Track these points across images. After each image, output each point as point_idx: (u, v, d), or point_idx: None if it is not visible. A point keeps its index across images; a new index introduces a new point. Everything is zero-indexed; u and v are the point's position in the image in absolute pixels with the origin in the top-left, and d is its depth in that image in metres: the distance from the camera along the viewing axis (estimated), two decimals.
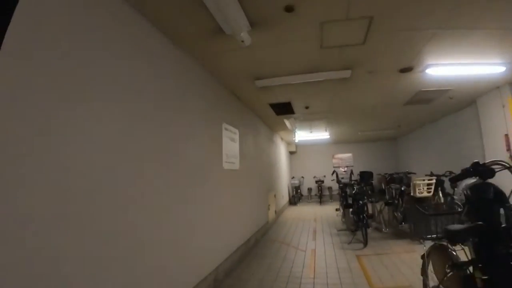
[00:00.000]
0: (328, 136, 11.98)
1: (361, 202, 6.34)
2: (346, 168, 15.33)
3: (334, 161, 16.20)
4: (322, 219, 9.37)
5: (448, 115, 9.58)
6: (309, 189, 14.98)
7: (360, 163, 15.38)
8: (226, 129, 5.11)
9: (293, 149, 15.24)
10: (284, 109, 7.07)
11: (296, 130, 10.36)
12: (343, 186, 8.42)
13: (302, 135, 11.61)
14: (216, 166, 4.61)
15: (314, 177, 15.08)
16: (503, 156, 6.01)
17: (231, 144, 5.35)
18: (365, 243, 5.77)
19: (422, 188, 5.88)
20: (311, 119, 8.62)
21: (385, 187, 10.03)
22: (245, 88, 5.39)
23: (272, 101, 6.38)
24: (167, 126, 3.19)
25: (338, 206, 9.57)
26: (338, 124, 9.90)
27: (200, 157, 4.00)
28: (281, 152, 12.39)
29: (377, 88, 5.88)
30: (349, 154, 16.34)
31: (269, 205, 8.41)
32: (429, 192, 5.90)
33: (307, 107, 6.98)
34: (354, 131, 11.58)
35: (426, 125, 11.43)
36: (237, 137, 5.76)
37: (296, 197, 13.75)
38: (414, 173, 7.63)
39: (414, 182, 5.92)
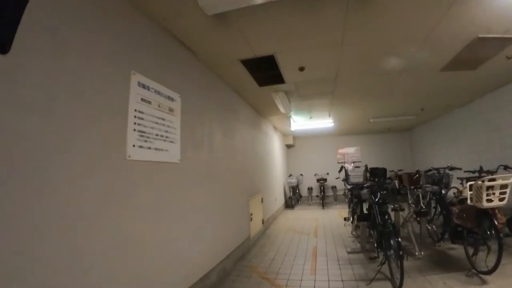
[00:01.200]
0: (332, 124, 9.65)
1: (387, 218, 4.03)
2: (352, 164, 13.02)
3: (338, 156, 13.87)
4: (325, 230, 7.05)
5: (486, 95, 7.36)
6: (310, 189, 12.65)
7: (369, 159, 12.98)
8: (142, 85, 2.77)
9: (290, 142, 12.89)
10: (267, 72, 4.74)
11: (292, 114, 8.01)
12: (354, 189, 6.15)
13: (300, 122, 9.26)
14: (110, 153, 2.29)
15: (316, 174, 12.75)
16: None
17: (157, 114, 3.02)
18: (400, 285, 3.44)
19: (493, 193, 3.55)
20: (309, 95, 6.29)
21: (408, 188, 7.68)
22: (187, 16, 3.04)
23: (245, 54, 4.04)
24: None
25: (345, 212, 7.34)
26: (345, 105, 7.55)
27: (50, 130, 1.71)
28: (275, 145, 10.07)
29: (412, 25, 3.53)
30: (356, 148, 14.00)
31: (251, 214, 6.09)
32: (502, 199, 3.58)
33: (302, 69, 4.63)
34: (365, 117, 9.22)
35: (453, 111, 9.09)
36: (176, 106, 3.43)
37: (293, 198, 11.41)
38: (460, 169, 5.27)
39: (479, 183, 3.59)
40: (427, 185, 5.49)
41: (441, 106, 8.35)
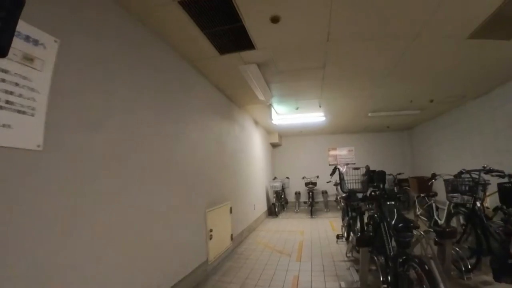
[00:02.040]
0: (324, 118, 8.18)
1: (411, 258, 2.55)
2: (345, 167, 11.57)
3: (330, 158, 12.42)
4: (312, 249, 5.55)
5: (510, 82, 5.99)
6: (297, 194, 11.15)
7: (364, 161, 11.52)
8: None
9: (276, 140, 11.39)
10: (225, 26, 3.23)
11: (273, 101, 6.54)
12: (351, 197, 4.76)
13: (284, 115, 7.78)
14: None
15: (304, 177, 11.24)
16: None
17: None
18: None
19: None
20: (293, 72, 4.81)
21: (417, 196, 6.23)
22: None
23: None
24: None
25: (338, 222, 5.96)
26: (340, 91, 6.07)
27: None
28: (255, 142, 8.56)
29: None
30: (350, 148, 12.58)
31: (210, 231, 4.54)
32: None
33: (275, 19, 3.11)
34: (362, 109, 7.76)
35: (465, 104, 7.70)
36: (44, 55, 1.93)
37: (277, 205, 9.87)
38: (501, 172, 3.78)
39: None
40: (455, 195, 4.03)
41: (453, 97, 6.92)
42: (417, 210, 5.98)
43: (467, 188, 3.88)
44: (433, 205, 5.52)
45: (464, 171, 3.85)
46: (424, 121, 10.44)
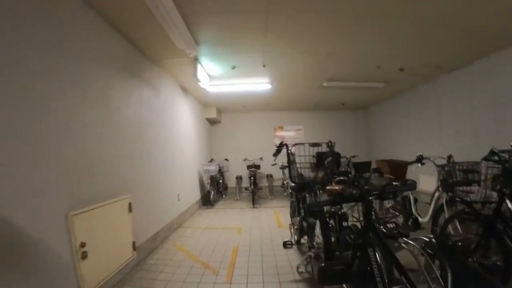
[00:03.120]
0: (269, 86, 6.67)
1: None
2: (293, 148, 10.24)
3: (275, 139, 11.03)
4: (251, 257, 4.04)
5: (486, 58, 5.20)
6: (238, 178, 9.64)
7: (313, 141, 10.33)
8: None
9: (213, 115, 9.67)
10: None
11: (198, 53, 4.84)
12: (304, 189, 3.39)
13: (219, 80, 6.10)
14: None
15: (245, 159, 9.70)
16: None
17: None
18: None
19: None
20: (227, 4, 3.16)
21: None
22: None
23: None
24: None
25: (285, 214, 4.75)
26: (288, 45, 4.52)
27: None
28: (182, 115, 6.78)
29: None
30: (298, 128, 11.32)
31: (82, 245, 2.80)
32: None
33: None
34: (318, 76, 6.29)
35: (435, 79, 6.68)
36: None
37: (213, 193, 8.23)
38: None
39: None
40: (470, 188, 2.71)
41: (427, 66, 5.75)
42: (387, 202, 4.74)
43: (487, 178, 2.55)
44: (411, 197, 4.31)
45: (496, 150, 2.47)
46: (384, 99, 9.45)
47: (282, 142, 3.60)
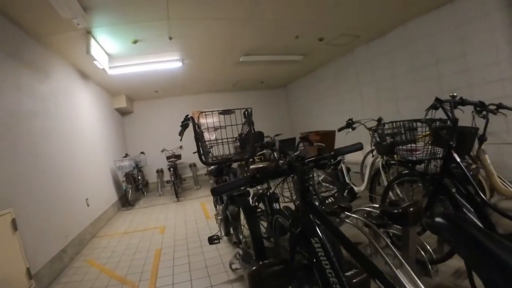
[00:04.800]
0: (180, 64, 6.10)
1: None
2: (216, 134, 9.75)
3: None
4: (176, 266, 3.47)
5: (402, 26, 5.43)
6: (159, 172, 8.84)
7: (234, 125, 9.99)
8: None
9: (123, 105, 8.66)
10: None
11: (92, 29, 4.05)
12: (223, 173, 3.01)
13: (116, 51, 5.29)
14: None
15: (163, 150, 8.90)
16: None
17: None
18: None
19: None
20: None
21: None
22: None
23: None
24: None
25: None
26: (197, 9, 3.99)
27: None
28: (81, 104, 5.82)
29: None
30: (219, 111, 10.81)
31: None
32: None
33: None
34: (233, 49, 5.83)
35: (353, 50, 6.76)
36: None
37: (131, 191, 7.38)
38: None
39: None
40: (405, 148, 2.55)
41: (346, 35, 5.71)
42: (317, 175, 4.56)
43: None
44: (343, 166, 4.16)
45: (439, 102, 2.27)
46: (303, 75, 9.46)
47: (187, 116, 3.00)
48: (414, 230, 2.16)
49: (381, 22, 5.23)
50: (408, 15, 5.04)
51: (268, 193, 3.22)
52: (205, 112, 2.93)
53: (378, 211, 1.94)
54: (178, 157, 8.39)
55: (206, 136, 3.26)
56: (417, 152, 2.50)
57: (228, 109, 3.48)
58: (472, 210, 2.21)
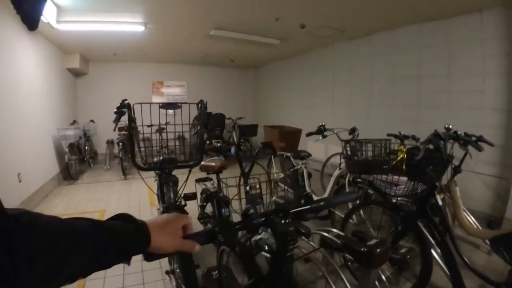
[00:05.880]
0: (142, 28, 5.57)
1: None
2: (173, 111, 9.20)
3: (154, 97, 9.77)
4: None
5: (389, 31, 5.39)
6: (109, 143, 8.18)
7: (197, 100, 9.46)
8: None
9: (76, 65, 7.88)
10: None
11: None
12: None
13: (67, 3, 4.62)
14: None
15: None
16: None
17: None
18: None
19: None
20: None
21: (273, 156, 4.47)
22: None
23: None
24: None
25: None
26: None
27: None
28: (23, 61, 5.11)
29: None
30: (181, 84, 10.25)
31: None
32: None
33: None
34: (204, 19, 5.31)
35: (334, 45, 6.53)
36: None
37: (73, 164, 6.71)
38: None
39: None
40: (383, 178, 2.34)
41: (330, 28, 5.41)
42: (276, 175, 4.33)
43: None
44: (304, 170, 3.94)
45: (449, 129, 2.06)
46: (277, 60, 9.10)
47: (124, 101, 2.40)
48: (377, 271, 1.99)
49: (370, 21, 4.99)
50: (400, 21, 4.88)
51: (218, 195, 2.94)
52: (143, 103, 2.42)
53: (338, 241, 1.71)
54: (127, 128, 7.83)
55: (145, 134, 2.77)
56: (398, 187, 2.29)
57: (173, 103, 3.03)
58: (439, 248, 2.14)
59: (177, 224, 0.84)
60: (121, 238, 0.72)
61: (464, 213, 2.89)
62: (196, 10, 4.85)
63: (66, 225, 0.64)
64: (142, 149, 2.56)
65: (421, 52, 4.84)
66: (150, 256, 0.79)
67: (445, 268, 2.16)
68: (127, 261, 0.75)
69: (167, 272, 2.57)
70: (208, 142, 8.33)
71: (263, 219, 1.02)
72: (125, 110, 2.35)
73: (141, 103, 2.39)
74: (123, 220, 0.78)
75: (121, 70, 9.44)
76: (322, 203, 1.15)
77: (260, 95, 10.96)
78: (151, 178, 2.96)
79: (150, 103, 2.49)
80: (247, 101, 11.22)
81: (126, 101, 2.37)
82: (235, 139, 9.41)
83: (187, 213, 2.41)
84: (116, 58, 8.81)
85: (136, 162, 2.40)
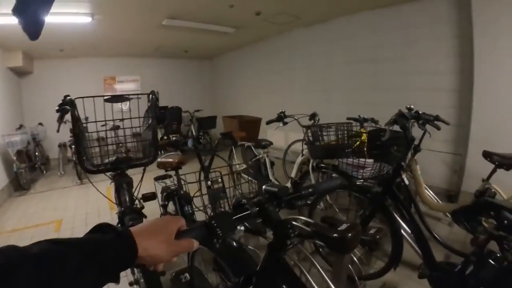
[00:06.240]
0: (89, 19, 5.24)
1: None
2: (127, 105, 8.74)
3: (107, 92, 9.37)
4: None
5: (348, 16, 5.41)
6: (61, 147, 7.64)
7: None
8: None
9: (19, 63, 7.26)
10: None
11: None
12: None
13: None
14: None
15: (66, 121, 7.70)
16: None
17: None
18: None
19: None
20: None
21: (234, 146, 4.37)
22: None
23: None
24: None
25: None
26: None
27: None
28: None
29: None
30: (135, 79, 9.90)
31: None
32: None
33: None
34: (155, 9, 5.02)
35: (291, 32, 6.48)
36: None
37: (23, 172, 6.16)
38: None
39: None
40: (349, 161, 2.31)
41: (285, 14, 5.32)
42: (238, 166, 4.23)
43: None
44: (266, 159, 3.87)
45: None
46: (232, 49, 9.00)
47: (66, 97, 2.16)
48: (350, 255, 1.98)
49: (325, 7, 4.99)
50: (355, 8, 4.97)
51: (179, 193, 2.79)
52: (84, 97, 2.20)
53: (308, 229, 1.64)
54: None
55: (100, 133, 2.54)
56: (365, 169, 2.27)
57: (119, 95, 2.78)
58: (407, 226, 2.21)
59: (170, 228, 0.75)
60: (96, 252, 0.60)
61: (425, 189, 3.03)
62: None
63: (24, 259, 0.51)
64: (93, 150, 2.32)
65: (377, 37, 4.95)
66: (145, 267, 0.73)
67: (414, 245, 2.21)
68: (114, 278, 0.63)
69: (130, 284, 2.38)
70: (166, 137, 8.07)
71: (258, 208, 0.97)
72: (68, 107, 2.10)
73: (82, 97, 2.17)
74: (101, 232, 0.68)
75: (69, 67, 8.88)
76: (310, 190, 1.13)
77: (217, 86, 10.84)
78: (108, 181, 2.72)
79: (94, 97, 2.25)
80: (204, 93, 11.02)
81: (68, 97, 2.12)
82: (193, 133, 9.21)
83: (145, 216, 2.26)
84: (63, 54, 8.25)
85: (84, 165, 2.17)
